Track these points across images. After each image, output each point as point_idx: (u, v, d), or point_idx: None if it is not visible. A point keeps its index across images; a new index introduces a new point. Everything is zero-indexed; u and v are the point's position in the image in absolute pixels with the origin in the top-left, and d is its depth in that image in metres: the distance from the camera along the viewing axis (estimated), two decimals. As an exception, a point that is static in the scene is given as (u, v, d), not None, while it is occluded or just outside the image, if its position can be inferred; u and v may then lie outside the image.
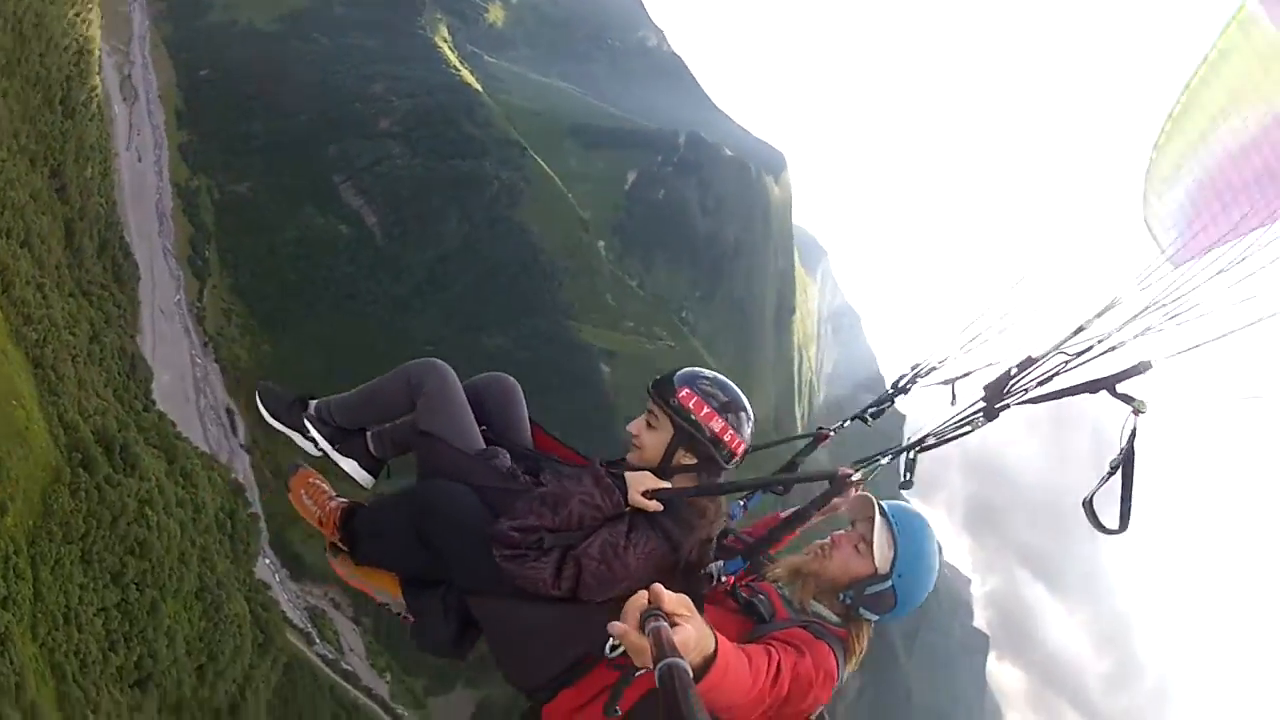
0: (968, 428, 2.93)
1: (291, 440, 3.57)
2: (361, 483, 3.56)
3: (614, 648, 1.82)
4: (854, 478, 3.13)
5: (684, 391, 2.98)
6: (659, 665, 1.42)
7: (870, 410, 3.76)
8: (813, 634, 2.77)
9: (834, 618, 2.95)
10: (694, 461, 3.02)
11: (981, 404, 2.84)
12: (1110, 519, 2.46)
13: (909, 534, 2.95)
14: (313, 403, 3.56)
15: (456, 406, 3.25)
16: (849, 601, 2.95)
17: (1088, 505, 2.44)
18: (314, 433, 3.51)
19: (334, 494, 3.56)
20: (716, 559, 3.03)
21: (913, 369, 3.61)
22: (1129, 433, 2.46)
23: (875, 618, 2.97)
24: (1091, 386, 2.56)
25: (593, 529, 2.88)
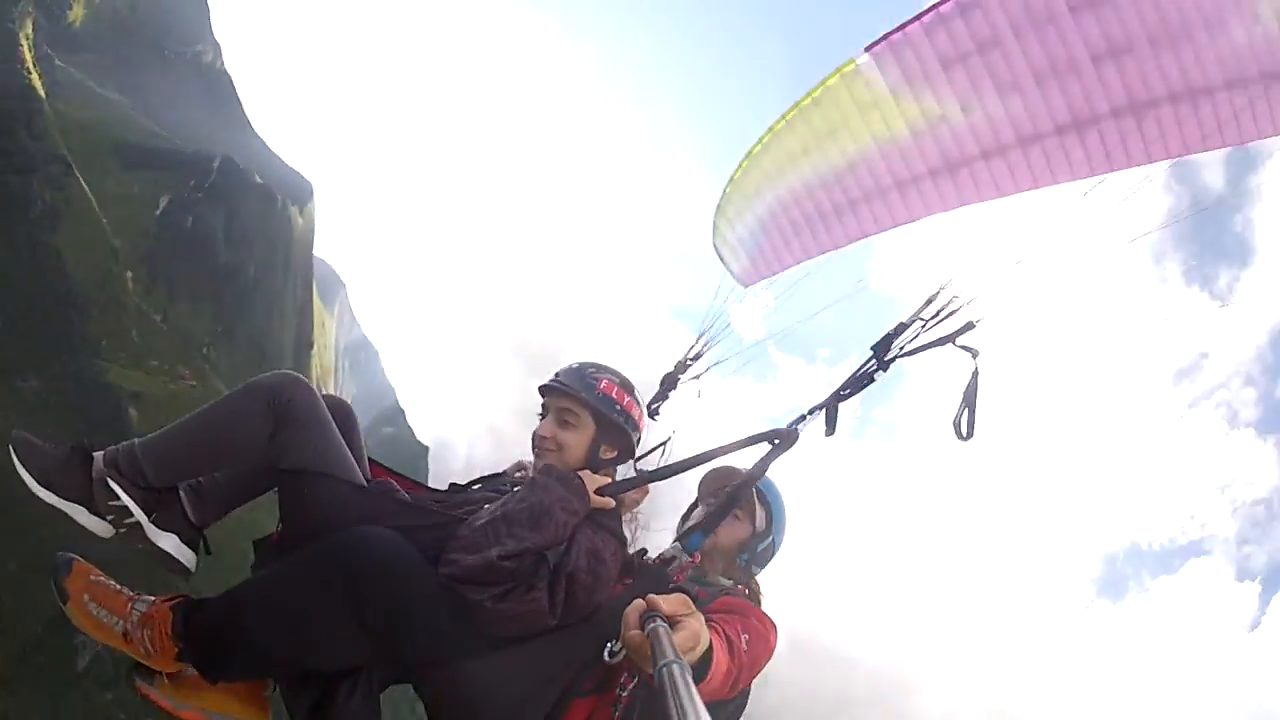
0: (882, 372, 3.39)
1: (70, 517, 2.51)
2: (185, 565, 2.64)
3: (614, 652, 1.81)
4: (798, 426, 3.15)
5: (604, 382, 2.85)
6: (659, 666, 1.41)
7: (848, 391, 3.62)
8: (735, 597, 2.88)
9: (727, 582, 3.07)
10: (615, 454, 2.90)
11: (874, 360, 3.37)
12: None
13: (768, 488, 3.23)
14: (98, 456, 2.52)
15: (332, 431, 2.60)
16: (745, 563, 3.15)
17: (956, 424, 3.19)
18: (124, 499, 2.48)
19: (133, 593, 2.57)
20: (674, 541, 3.03)
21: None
22: (971, 371, 3.21)
23: (761, 570, 3.21)
24: (940, 342, 3.32)
25: (569, 540, 2.59)
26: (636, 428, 2.92)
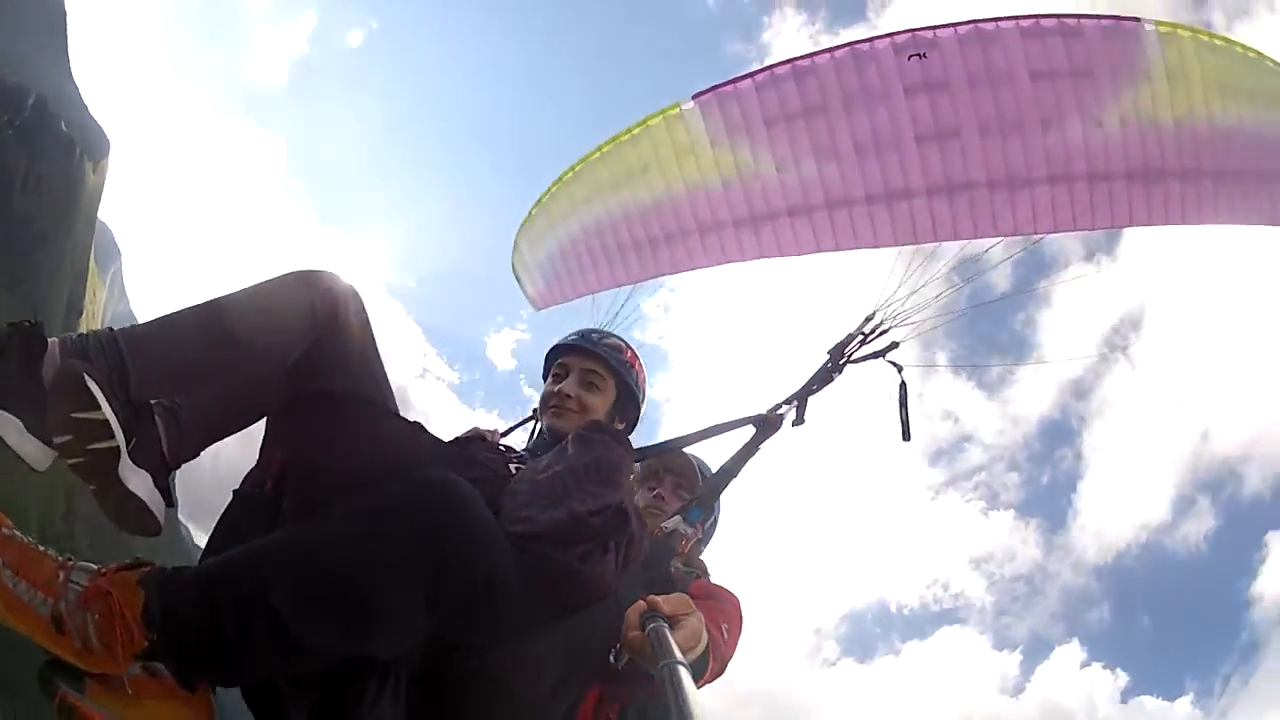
0: (837, 374, 3.80)
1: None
2: (156, 519, 1.88)
3: (618, 655, 1.72)
4: (782, 412, 3.40)
5: (629, 352, 2.72)
6: (660, 667, 1.41)
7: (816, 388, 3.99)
8: (704, 580, 2.90)
9: (698, 564, 3.08)
10: (624, 426, 2.73)
11: (830, 362, 3.80)
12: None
13: (699, 460, 3.33)
14: (54, 342, 1.72)
15: (378, 350, 2.08)
16: (699, 544, 3.16)
17: (903, 425, 3.73)
18: (106, 411, 1.68)
19: (62, 558, 1.70)
20: (673, 514, 2.92)
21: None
22: (899, 382, 3.78)
23: (703, 550, 3.28)
24: (873, 355, 3.84)
25: None
26: (643, 403, 2.79)
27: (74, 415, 1.65)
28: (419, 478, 1.76)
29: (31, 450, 1.69)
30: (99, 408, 1.66)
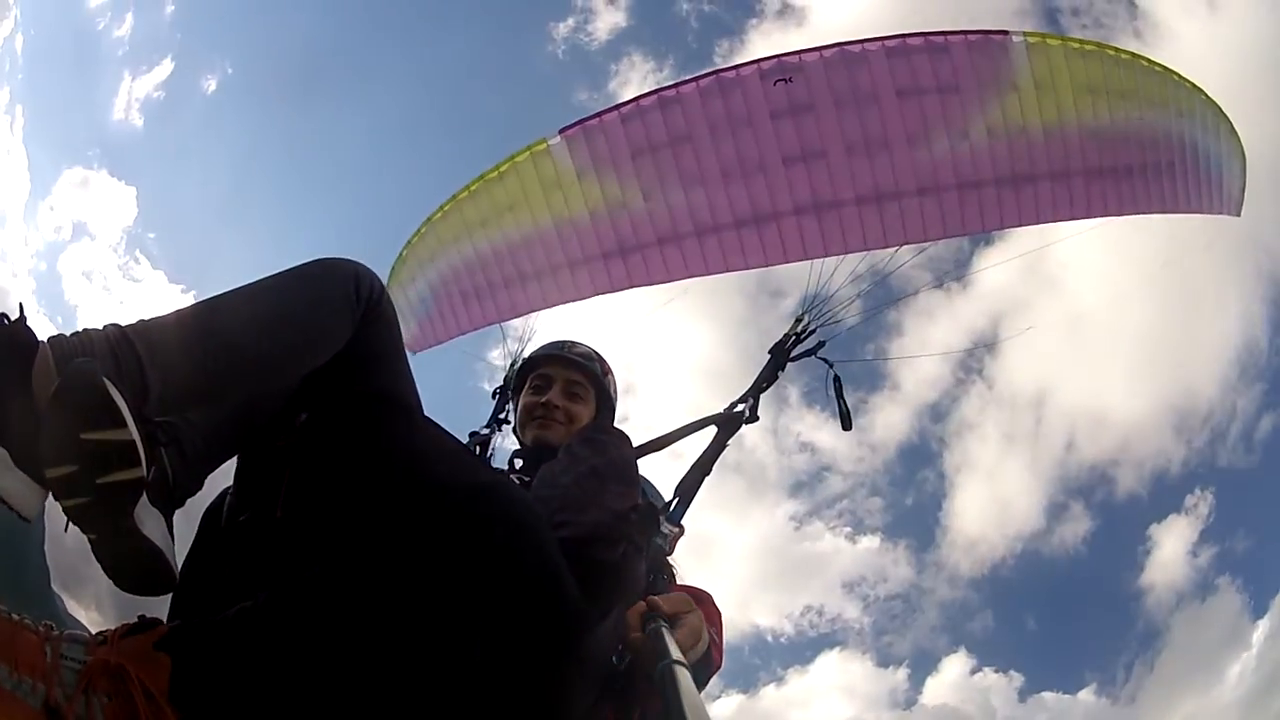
0: (781, 372, 3.99)
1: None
2: (170, 566, 1.44)
3: (621, 657, 1.68)
4: (739, 409, 3.55)
5: (605, 365, 2.77)
6: (660, 667, 1.38)
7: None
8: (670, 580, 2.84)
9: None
10: None
11: (773, 362, 3.97)
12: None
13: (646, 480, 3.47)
14: (45, 344, 1.25)
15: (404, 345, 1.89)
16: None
17: (842, 416, 3.96)
18: (132, 430, 1.22)
19: (42, 626, 1.25)
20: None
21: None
22: (832, 377, 4.00)
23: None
24: (806, 354, 4.03)
25: None
26: (616, 404, 2.82)
27: (85, 437, 1.18)
28: (501, 493, 1.55)
29: (17, 490, 1.21)
30: (124, 424, 1.20)
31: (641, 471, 3.29)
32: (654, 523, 2.18)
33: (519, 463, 2.56)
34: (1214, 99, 5.69)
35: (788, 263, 4.54)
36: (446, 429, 1.76)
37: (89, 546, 1.33)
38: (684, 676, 1.31)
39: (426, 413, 1.80)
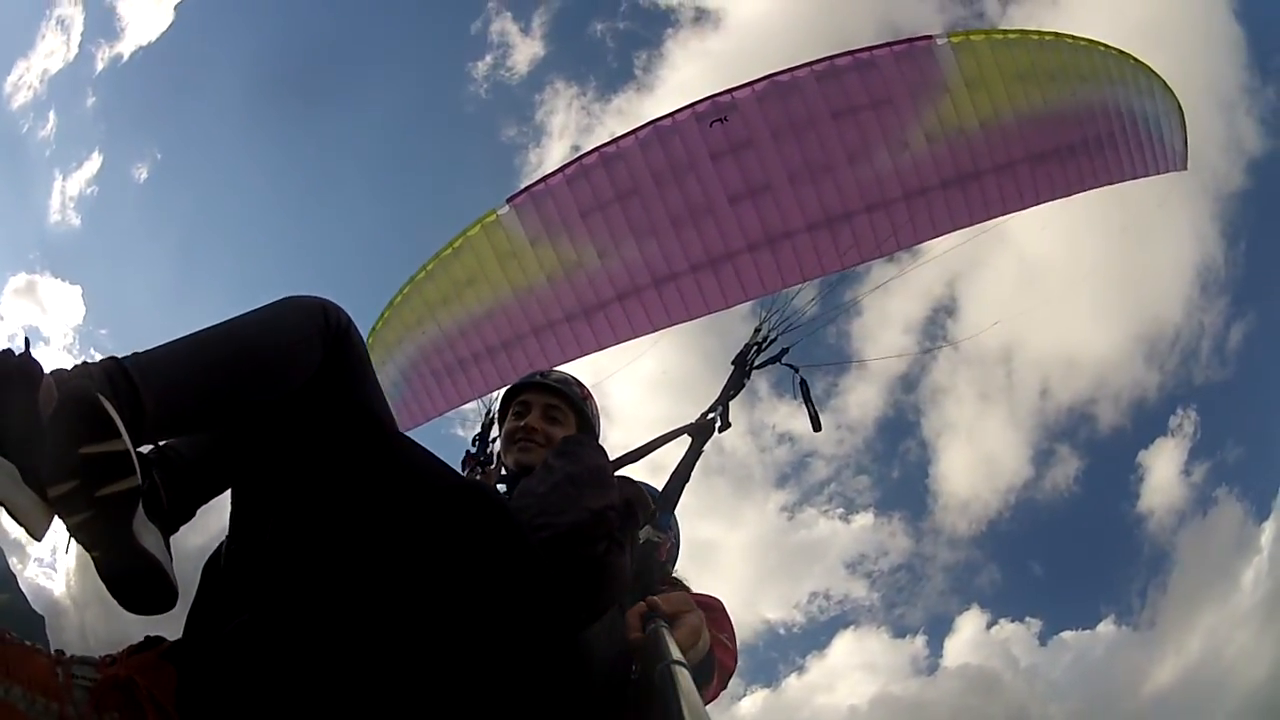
0: (746, 381, 4.14)
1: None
2: (171, 582, 1.46)
3: (636, 669, 1.72)
4: (711, 418, 3.70)
5: (584, 390, 2.84)
6: (659, 668, 1.37)
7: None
8: (683, 589, 2.83)
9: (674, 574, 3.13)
10: None
11: (737, 372, 4.11)
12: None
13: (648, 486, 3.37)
14: (49, 374, 1.34)
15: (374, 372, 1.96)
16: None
17: (812, 418, 4.20)
18: (128, 445, 1.31)
19: (53, 651, 1.35)
20: (642, 524, 2.94)
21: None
22: (799, 381, 4.21)
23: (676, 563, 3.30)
24: (770, 361, 4.21)
25: None
26: (598, 432, 2.83)
27: (84, 451, 1.25)
28: (480, 498, 1.64)
29: (27, 507, 1.28)
30: (119, 435, 1.27)
31: (640, 478, 3.39)
32: (634, 519, 2.20)
33: (503, 487, 2.59)
34: (1142, 60, 5.77)
35: (748, 300, 4.57)
36: (420, 444, 1.80)
37: (93, 566, 1.40)
38: (684, 677, 1.30)
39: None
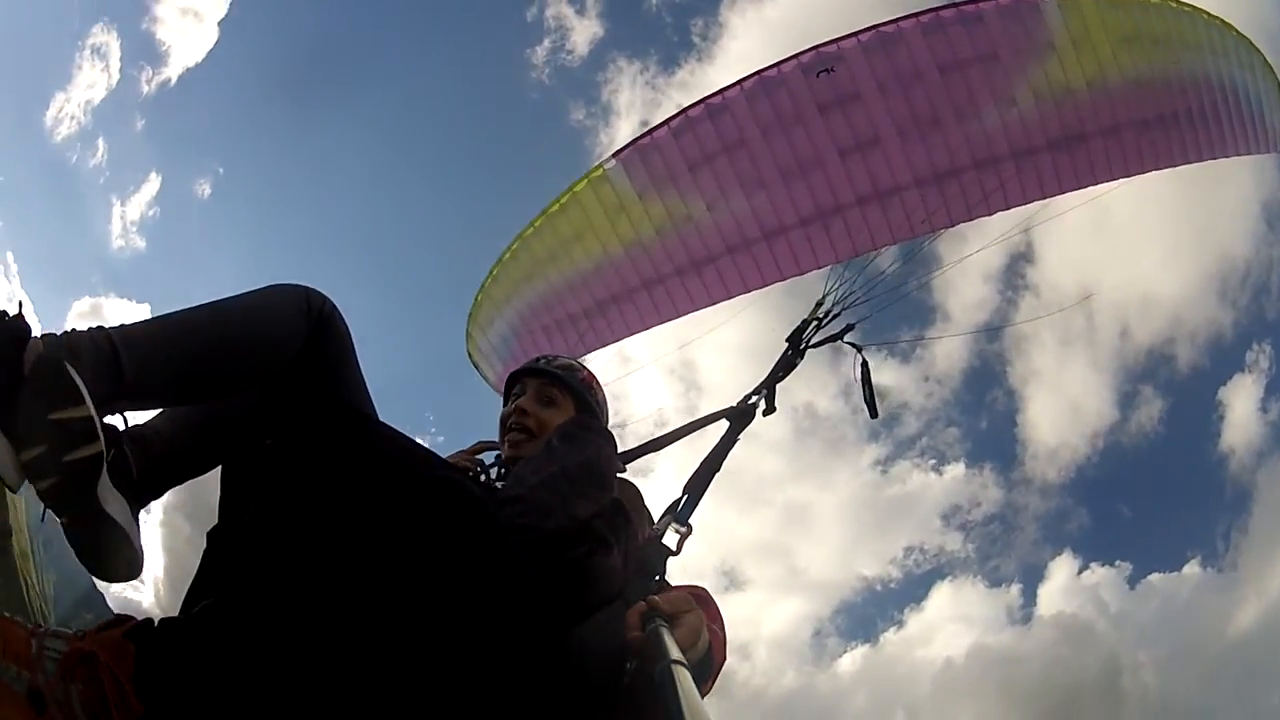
0: (799, 361, 3.96)
1: None
2: (136, 551, 1.57)
3: (631, 664, 1.70)
4: (754, 401, 3.54)
5: (584, 373, 2.80)
6: (659, 668, 1.36)
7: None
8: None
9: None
10: None
11: (790, 349, 3.94)
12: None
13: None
14: (36, 337, 1.43)
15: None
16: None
17: (869, 403, 3.96)
18: (90, 408, 1.40)
19: (31, 623, 1.39)
20: (662, 515, 2.94)
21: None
22: (861, 363, 4.02)
23: None
24: (830, 339, 4.03)
25: None
26: (606, 416, 2.79)
27: (51, 417, 1.34)
28: (447, 487, 1.59)
29: (6, 459, 1.35)
30: (83, 402, 1.35)
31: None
32: (624, 521, 2.11)
33: (495, 473, 2.66)
34: (1244, 35, 5.58)
35: (857, 255, 4.43)
36: (401, 432, 1.78)
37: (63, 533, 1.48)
38: (684, 676, 1.30)
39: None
